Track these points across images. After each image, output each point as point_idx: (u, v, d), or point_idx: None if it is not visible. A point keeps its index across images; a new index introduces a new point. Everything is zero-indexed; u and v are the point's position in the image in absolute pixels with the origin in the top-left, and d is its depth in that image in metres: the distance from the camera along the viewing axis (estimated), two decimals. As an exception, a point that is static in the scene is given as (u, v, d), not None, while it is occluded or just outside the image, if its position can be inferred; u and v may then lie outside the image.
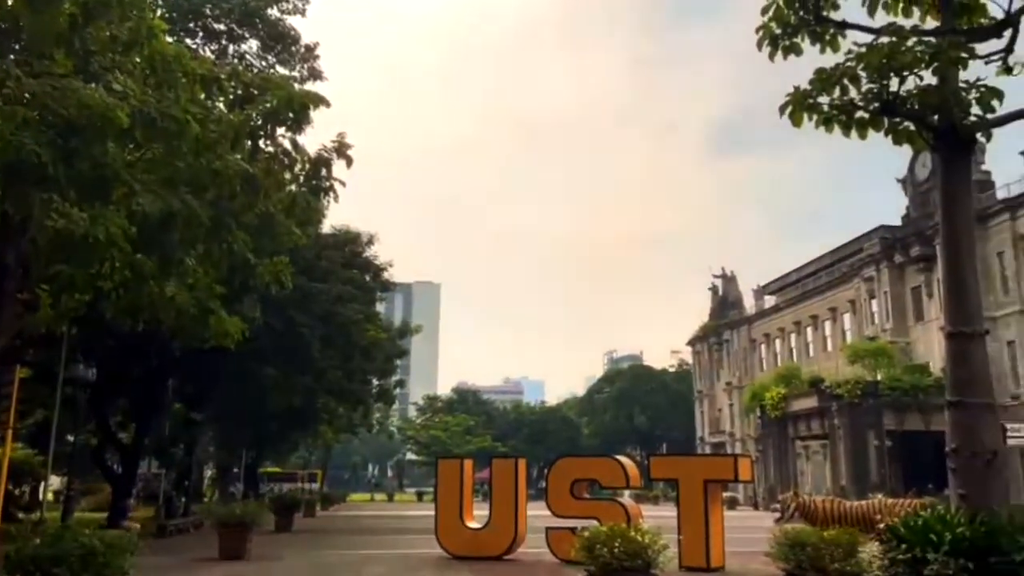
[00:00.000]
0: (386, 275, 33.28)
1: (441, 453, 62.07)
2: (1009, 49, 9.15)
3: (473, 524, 14.89)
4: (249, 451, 44.24)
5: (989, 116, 8.89)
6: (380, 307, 42.63)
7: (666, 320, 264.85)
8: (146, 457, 32.98)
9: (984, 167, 43.42)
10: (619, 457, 14.86)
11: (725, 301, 72.18)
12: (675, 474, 13.14)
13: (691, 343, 77.39)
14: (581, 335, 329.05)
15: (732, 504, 49.92)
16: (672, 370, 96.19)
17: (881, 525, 8.62)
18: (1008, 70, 9.16)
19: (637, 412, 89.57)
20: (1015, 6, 9.03)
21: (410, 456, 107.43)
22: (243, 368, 23.88)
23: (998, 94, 8.67)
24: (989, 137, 9.40)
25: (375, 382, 37.60)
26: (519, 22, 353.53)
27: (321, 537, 21.84)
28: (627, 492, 22.12)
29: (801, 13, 9.36)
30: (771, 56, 9.53)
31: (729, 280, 73.16)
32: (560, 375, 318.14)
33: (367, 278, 31.97)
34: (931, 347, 42.61)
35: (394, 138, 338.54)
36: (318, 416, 36.71)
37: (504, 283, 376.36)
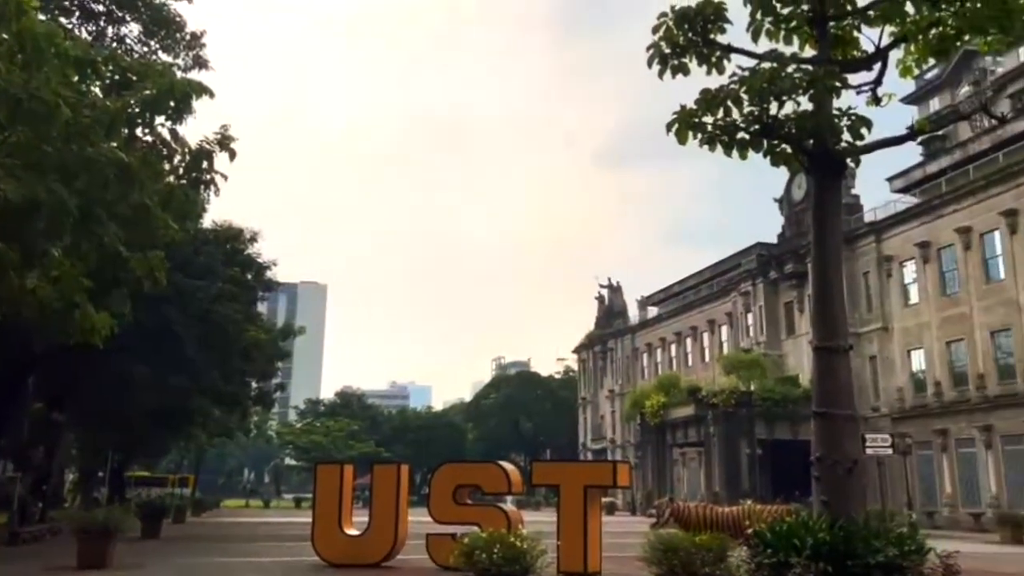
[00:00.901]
0: (269, 274, 32.27)
1: (322, 458, 60.70)
2: (878, 81, 9.73)
3: (351, 531, 14.62)
4: (116, 454, 42.01)
5: (858, 143, 9.41)
6: (262, 307, 41.38)
7: (556, 327, 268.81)
8: (1, 460, 30.82)
9: (854, 191, 46.12)
10: (502, 463, 14.91)
11: (611, 310, 73.87)
12: (556, 480, 13.27)
13: (577, 351, 78.81)
14: (470, 341, 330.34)
15: (611, 509, 51.01)
16: (558, 377, 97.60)
17: (749, 530, 8.95)
18: (877, 101, 9.73)
19: (523, 418, 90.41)
20: (884, 42, 9.63)
21: (289, 461, 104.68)
22: (111, 367, 22.64)
23: (867, 123, 9.19)
24: (858, 163, 9.98)
25: (254, 384, 36.41)
26: (417, 23, 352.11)
27: (190, 544, 20.95)
28: (510, 498, 22.25)
29: (690, 35, 9.64)
30: (660, 74, 9.78)
31: (615, 290, 74.94)
32: (448, 381, 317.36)
33: (249, 276, 30.91)
34: (801, 360, 44.83)
35: (287, 133, 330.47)
36: (192, 418, 35.18)
37: (394, 287, 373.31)
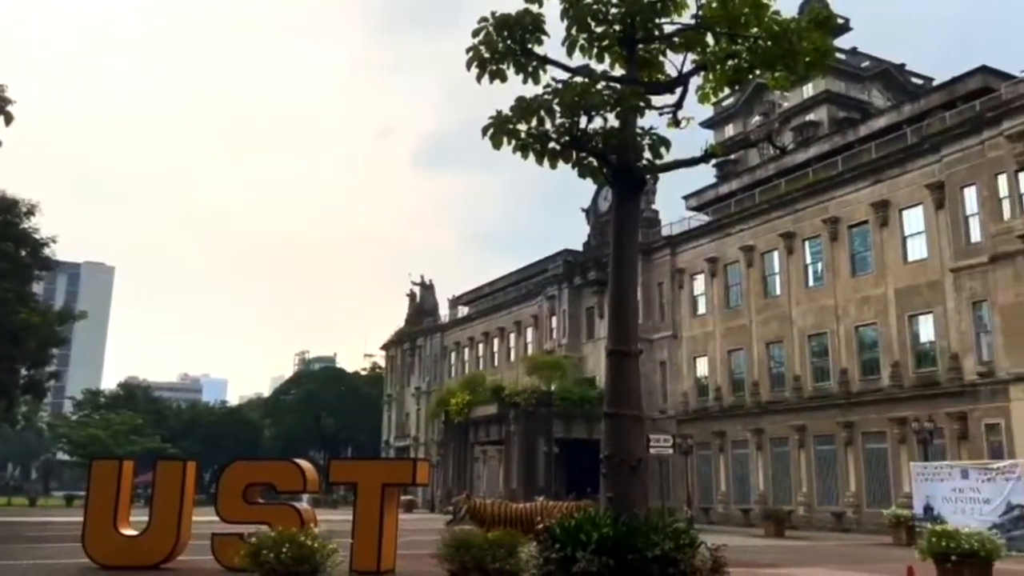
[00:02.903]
0: (48, 251, 29.56)
1: (100, 454, 56.22)
2: (679, 105, 10.37)
3: (128, 531, 13.65)
4: None
5: (658, 161, 9.98)
6: (38, 287, 37.76)
7: (366, 324, 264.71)
8: None
9: (654, 206, 48.93)
10: (298, 461, 14.47)
11: (422, 308, 73.88)
12: (354, 478, 13.07)
13: (385, 347, 78.12)
14: (273, 334, 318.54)
15: (410, 507, 50.99)
16: (365, 374, 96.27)
17: (540, 526, 9.25)
18: (677, 123, 10.36)
19: (325, 415, 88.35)
20: (686, 68, 10.29)
21: (62, 456, 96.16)
22: None
23: (666, 143, 9.76)
24: (657, 179, 10.64)
25: (23, 371, 33.16)
26: (236, 7, 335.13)
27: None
28: (306, 497, 21.66)
29: (509, 42, 9.81)
30: (478, 79, 9.89)
31: (427, 288, 75.03)
32: (246, 374, 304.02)
33: (23, 253, 28.15)
34: (599, 362, 46.90)
35: (85, 103, 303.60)
36: (-53, 407, 31.55)
37: (192, 274, 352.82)
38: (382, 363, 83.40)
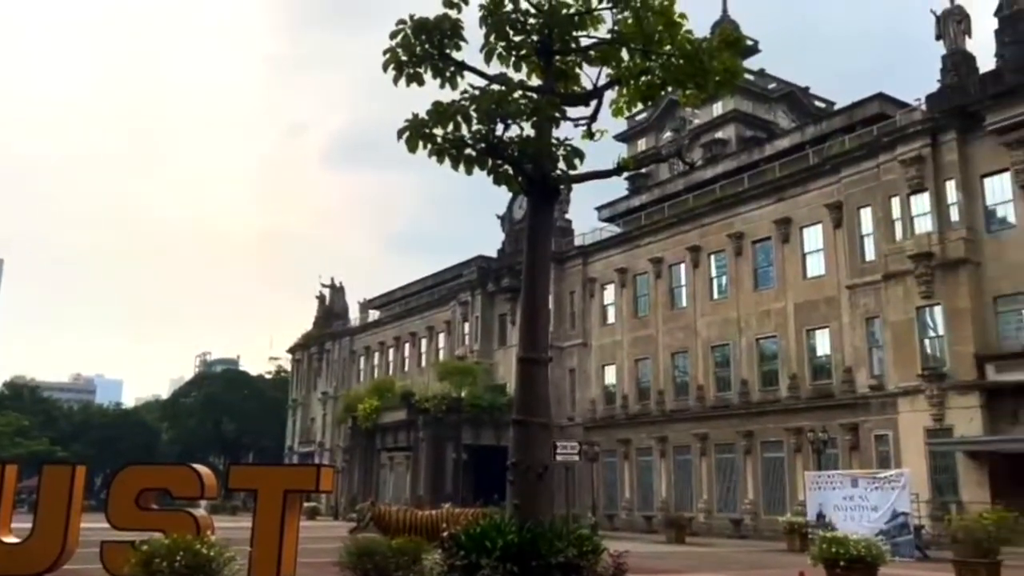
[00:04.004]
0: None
1: (-16, 456, 53.19)
2: (593, 117, 10.51)
3: (9, 538, 12.90)
4: None
5: (572, 172, 10.10)
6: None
7: (273, 326, 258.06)
8: None
9: (567, 216, 49.56)
10: (196, 466, 13.95)
11: (331, 311, 72.66)
12: (254, 484, 12.67)
13: (292, 351, 76.45)
14: (173, 334, 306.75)
15: (313, 514, 50.03)
16: (269, 377, 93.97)
17: (445, 533, 9.21)
18: (591, 135, 10.50)
19: (226, 419, 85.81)
20: (601, 82, 10.45)
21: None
22: None
23: (580, 154, 9.89)
24: (570, 189, 10.77)
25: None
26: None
27: None
28: (204, 503, 20.93)
29: (427, 46, 9.77)
30: (395, 81, 9.81)
31: (337, 291, 73.83)
32: (144, 376, 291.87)
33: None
34: (510, 369, 47.07)
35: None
36: None
37: (88, 270, 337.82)
38: (288, 366, 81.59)
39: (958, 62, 30.64)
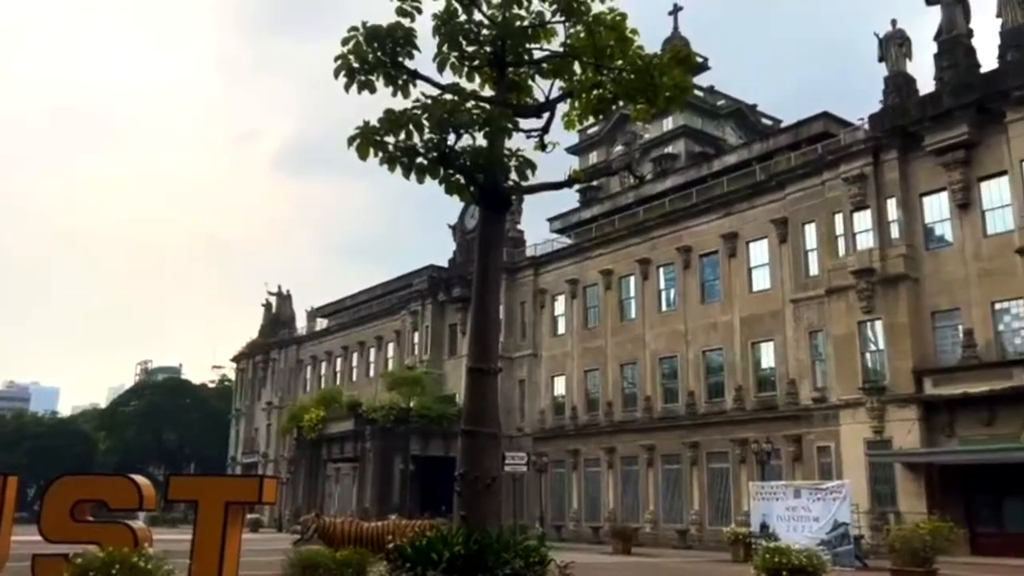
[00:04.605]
0: None
1: (-91, 466, 51.24)
2: (546, 129, 10.55)
3: (-65, 553, 12.38)
4: None
5: (523, 183, 10.12)
6: None
7: (217, 333, 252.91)
8: None
9: (520, 226, 49.70)
10: (134, 476, 13.59)
11: (277, 319, 71.62)
12: (195, 495, 12.36)
13: (236, 359, 75.12)
14: (113, 342, 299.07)
15: (256, 526, 49.14)
16: (213, 386, 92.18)
17: (391, 545, 9.10)
18: (543, 147, 10.54)
19: (167, 429, 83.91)
20: (553, 94, 10.51)
21: None
22: None
23: (532, 165, 9.91)
24: (522, 200, 10.77)
25: None
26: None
27: None
28: (142, 515, 20.39)
29: (379, 54, 9.71)
30: (347, 88, 9.71)
31: (284, 298, 72.83)
32: (82, 384, 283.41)
33: None
34: (460, 380, 46.93)
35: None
36: None
37: (25, 275, 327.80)
38: (232, 375, 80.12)
39: (899, 84, 31.58)
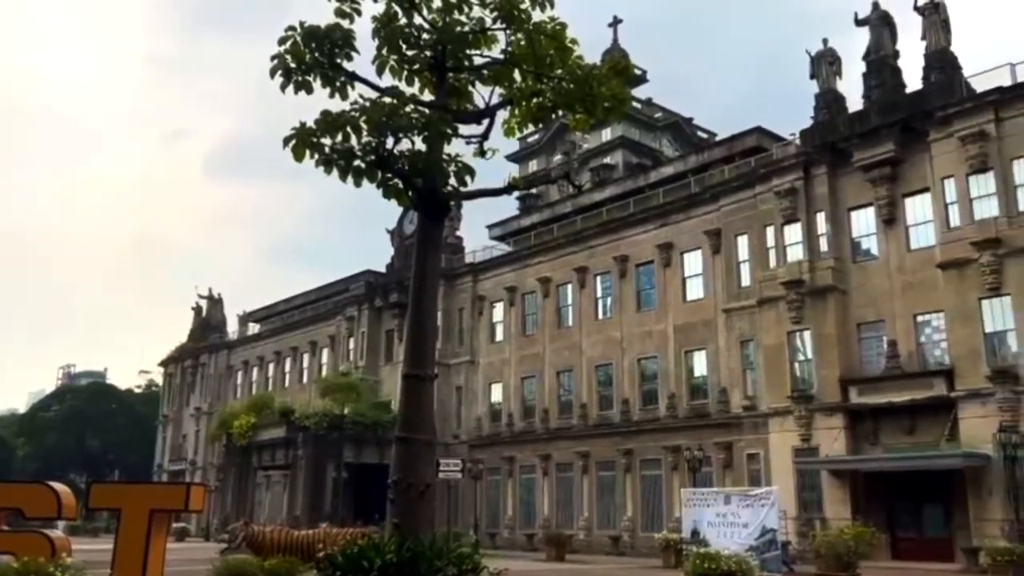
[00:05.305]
0: None
1: None
2: (485, 136, 10.55)
3: None
4: None
5: (462, 189, 10.09)
6: None
7: (145, 337, 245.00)
8: None
9: (459, 233, 49.61)
10: (53, 483, 13.09)
11: (208, 323, 69.95)
12: (118, 503, 11.96)
13: (164, 364, 73.13)
14: (34, 345, 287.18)
15: (183, 535, 47.85)
16: (139, 391, 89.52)
17: (321, 554, 8.95)
18: (483, 153, 10.53)
19: (90, 434, 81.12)
20: (493, 101, 10.51)
21: None
22: None
23: (471, 171, 9.88)
24: (461, 206, 10.75)
25: None
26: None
27: None
28: (61, 523, 19.67)
29: (317, 55, 9.58)
30: (283, 87, 9.56)
31: (215, 302, 71.16)
32: (0, 389, 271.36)
33: None
34: (395, 386, 46.46)
35: None
36: None
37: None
38: (160, 380, 77.94)
39: (830, 101, 32.58)
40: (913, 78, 30.91)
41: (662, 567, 26.26)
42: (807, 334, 31.09)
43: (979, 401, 26.28)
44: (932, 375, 28.08)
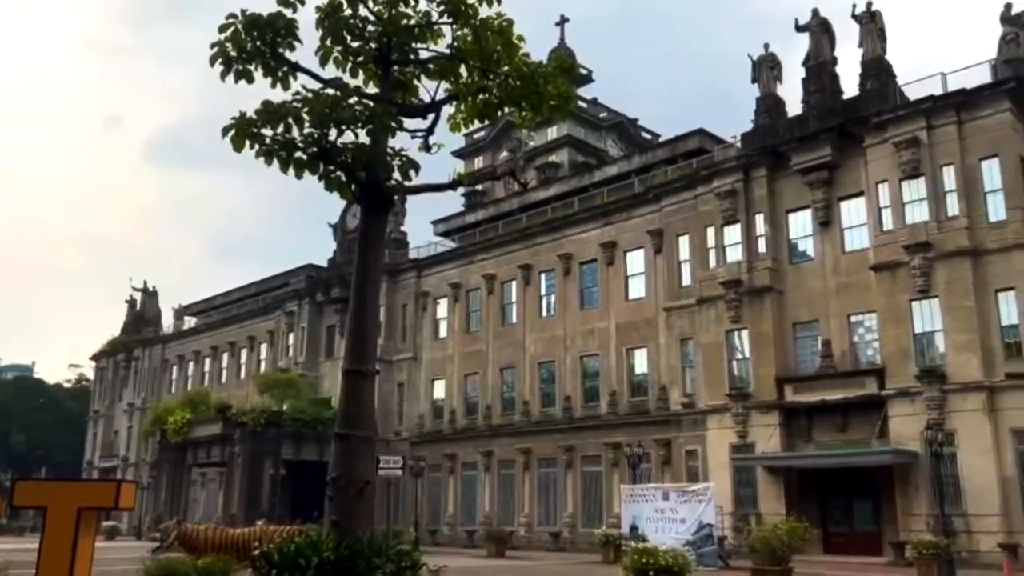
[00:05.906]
0: None
1: None
2: (430, 131, 10.46)
3: None
4: None
5: (406, 183, 10.00)
6: None
7: (75, 330, 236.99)
8: None
9: (403, 228, 49.26)
10: (-24, 482, 12.61)
11: (142, 317, 68.18)
12: (44, 501, 11.49)
13: (96, 358, 71.00)
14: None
15: (113, 534, 46.61)
16: (68, 386, 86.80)
17: (256, 552, 8.78)
18: (428, 148, 10.43)
19: (16, 430, 78.32)
20: (439, 96, 10.43)
21: None
22: None
23: (415, 165, 9.79)
24: (405, 201, 10.64)
25: None
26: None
27: None
28: (-16, 523, 18.94)
29: (258, 43, 9.38)
30: (223, 76, 9.33)
31: (150, 295, 69.38)
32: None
33: None
34: (336, 383, 45.92)
35: None
36: None
37: None
38: (91, 375, 75.68)
39: (770, 105, 33.25)
40: (850, 84, 31.79)
41: (601, 562, 26.50)
42: (745, 333, 31.70)
43: (908, 400, 27.16)
44: (864, 374, 28.91)
